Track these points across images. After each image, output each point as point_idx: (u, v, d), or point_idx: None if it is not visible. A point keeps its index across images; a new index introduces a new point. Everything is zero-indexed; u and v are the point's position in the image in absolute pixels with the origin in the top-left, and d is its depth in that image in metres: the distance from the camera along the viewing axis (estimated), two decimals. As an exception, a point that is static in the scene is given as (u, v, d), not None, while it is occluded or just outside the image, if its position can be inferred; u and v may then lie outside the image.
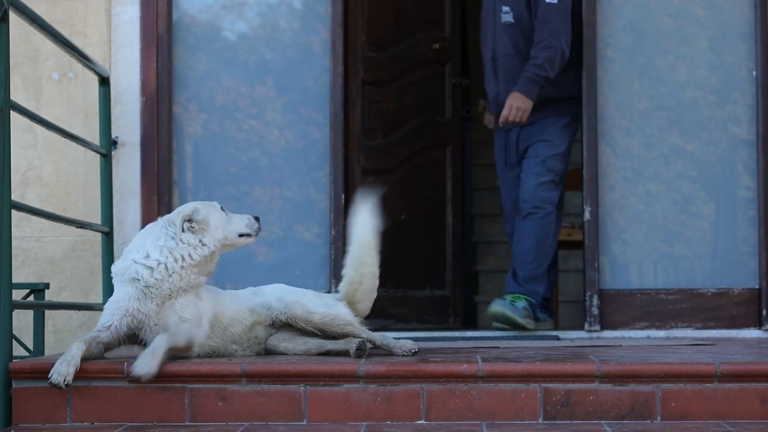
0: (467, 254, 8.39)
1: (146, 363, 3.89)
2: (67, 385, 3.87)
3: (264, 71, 6.10)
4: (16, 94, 5.76)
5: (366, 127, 6.60)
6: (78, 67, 5.85)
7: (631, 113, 6.05)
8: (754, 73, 6.00)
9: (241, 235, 4.36)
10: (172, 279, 4.16)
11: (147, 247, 4.19)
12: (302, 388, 3.95)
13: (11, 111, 4.22)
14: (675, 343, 5.16)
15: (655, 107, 6.05)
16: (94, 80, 5.63)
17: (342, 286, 4.51)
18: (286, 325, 4.41)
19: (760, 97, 5.96)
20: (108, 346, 4.13)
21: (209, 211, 4.29)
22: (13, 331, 4.42)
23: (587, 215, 6.00)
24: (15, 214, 4.53)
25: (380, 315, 5.50)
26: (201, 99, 6.08)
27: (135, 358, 4.12)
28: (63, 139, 5.36)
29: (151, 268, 4.15)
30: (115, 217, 5.76)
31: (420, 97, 6.99)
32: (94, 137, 5.65)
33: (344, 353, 4.21)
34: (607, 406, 3.90)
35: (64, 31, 5.64)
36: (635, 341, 5.41)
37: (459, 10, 7.39)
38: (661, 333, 5.93)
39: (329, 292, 5.81)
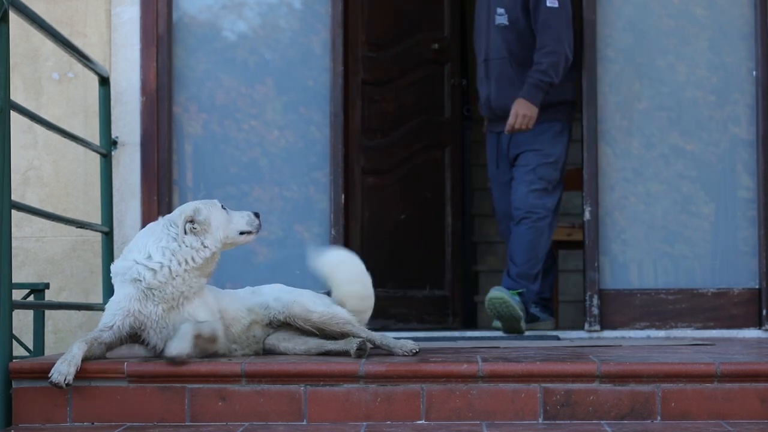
0: (467, 254, 8.39)
1: (178, 345, 3.96)
2: (67, 385, 3.87)
3: (264, 71, 6.11)
4: (16, 94, 5.76)
5: (366, 127, 6.60)
6: (78, 67, 5.85)
7: (631, 113, 6.05)
8: (754, 73, 6.00)
9: (242, 233, 4.36)
10: (176, 282, 4.16)
11: (149, 248, 4.18)
12: (302, 388, 3.95)
13: (11, 111, 4.22)
14: (675, 343, 5.16)
15: (655, 107, 6.05)
16: (94, 80, 5.63)
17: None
18: (285, 325, 4.41)
19: (760, 97, 5.96)
20: (110, 346, 4.13)
21: (210, 210, 4.29)
22: (13, 331, 4.42)
23: (587, 215, 6.00)
24: (15, 214, 4.53)
25: (380, 315, 5.50)
26: (201, 99, 6.08)
27: (136, 357, 4.13)
28: (63, 139, 5.36)
29: (154, 270, 4.14)
30: (115, 217, 5.76)
31: (419, 97, 6.99)
32: (94, 137, 5.65)
33: (344, 353, 4.21)
34: (607, 406, 3.90)
35: (64, 31, 5.64)
36: (635, 341, 5.41)
37: (458, 11, 7.40)
38: (661, 333, 5.93)
39: (328, 292, 5.81)
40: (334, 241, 5.96)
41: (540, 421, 3.90)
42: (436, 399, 3.92)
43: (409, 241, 6.84)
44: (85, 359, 3.95)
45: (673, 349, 4.72)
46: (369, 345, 4.23)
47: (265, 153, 6.08)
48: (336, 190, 6.00)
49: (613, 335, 5.91)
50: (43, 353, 5.26)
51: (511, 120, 5.73)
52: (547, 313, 6.09)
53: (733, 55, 6.05)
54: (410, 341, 4.28)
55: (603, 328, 5.95)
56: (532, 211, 5.82)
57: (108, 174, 5.53)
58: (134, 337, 4.18)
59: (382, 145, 6.72)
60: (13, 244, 4.28)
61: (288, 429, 3.87)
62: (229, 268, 5.67)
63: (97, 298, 5.66)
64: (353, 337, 4.29)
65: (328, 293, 4.65)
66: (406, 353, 4.22)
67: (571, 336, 5.83)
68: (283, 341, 4.37)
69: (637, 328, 5.95)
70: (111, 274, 4.25)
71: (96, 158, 5.73)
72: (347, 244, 6.12)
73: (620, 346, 4.97)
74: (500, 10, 5.90)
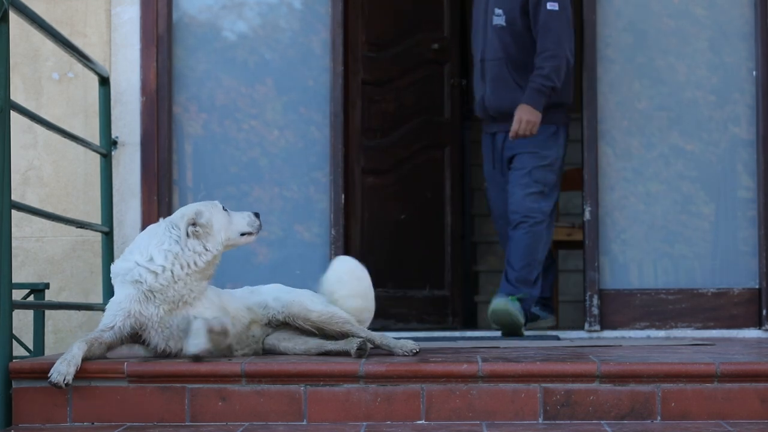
0: (467, 254, 8.39)
1: (195, 342, 4.01)
2: (66, 385, 3.87)
3: (264, 71, 6.11)
4: (16, 94, 5.76)
5: (366, 127, 6.60)
6: (78, 67, 5.85)
7: (631, 113, 6.05)
8: (754, 73, 6.01)
9: (242, 234, 4.36)
10: (177, 286, 4.16)
11: (150, 251, 4.18)
12: (302, 388, 3.95)
13: (11, 111, 4.22)
14: (675, 343, 5.16)
15: (655, 107, 6.05)
16: (94, 80, 5.63)
17: None
18: (284, 325, 4.41)
19: (760, 97, 5.96)
20: (110, 346, 4.13)
21: (212, 213, 4.28)
22: (13, 331, 4.42)
23: (587, 215, 6.00)
24: (15, 214, 4.53)
25: (380, 315, 5.49)
26: (201, 99, 6.08)
27: (136, 357, 4.13)
28: (63, 139, 5.36)
29: (156, 273, 4.14)
30: (115, 217, 5.76)
31: (419, 97, 6.99)
32: (94, 137, 5.65)
33: (345, 353, 4.21)
34: (607, 406, 3.90)
35: (64, 31, 5.64)
36: (635, 341, 5.41)
37: (458, 11, 7.40)
38: (661, 333, 5.93)
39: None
40: (334, 241, 5.96)
41: (540, 421, 3.90)
42: (436, 399, 3.92)
43: (409, 241, 6.84)
44: (85, 359, 3.95)
45: (673, 349, 4.72)
46: (369, 345, 4.23)
47: (265, 153, 6.08)
48: (336, 190, 6.00)
49: (613, 335, 5.91)
50: (43, 353, 5.26)
51: (514, 126, 5.67)
52: (547, 311, 6.08)
53: (733, 55, 6.05)
54: (410, 341, 4.28)
55: (603, 328, 5.95)
56: (528, 216, 5.74)
57: (108, 174, 5.53)
58: (135, 337, 4.18)
59: (382, 145, 6.72)
60: (13, 244, 4.28)
61: (288, 429, 3.87)
62: (229, 269, 5.66)
63: (97, 298, 5.66)
64: (353, 336, 4.29)
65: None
66: (406, 353, 4.22)
67: (571, 336, 5.83)
68: (283, 341, 4.38)
69: (637, 328, 5.95)
70: (111, 275, 4.25)
71: (96, 158, 5.73)
72: (347, 244, 6.13)
73: (620, 346, 4.97)
74: (498, 11, 5.82)
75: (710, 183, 6.02)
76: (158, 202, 5.93)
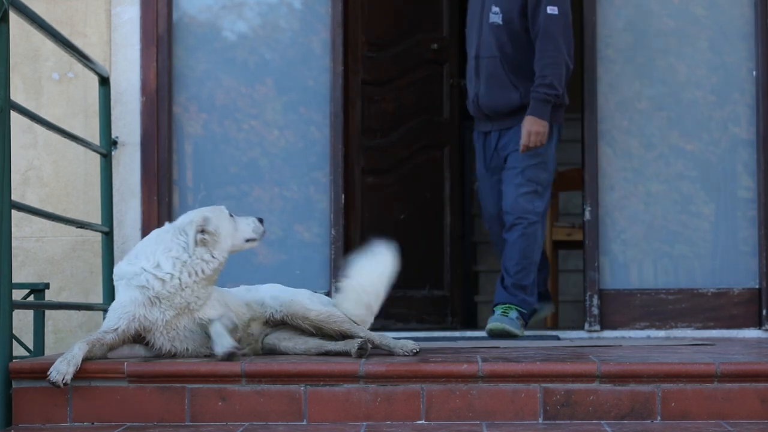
0: (467, 254, 8.39)
1: (223, 343, 4.07)
2: (65, 384, 3.86)
3: (264, 71, 6.10)
4: (16, 94, 5.76)
5: (366, 127, 6.60)
6: (78, 67, 5.85)
7: (631, 113, 6.05)
8: (754, 73, 6.01)
9: (247, 240, 4.37)
10: (184, 293, 4.16)
11: (158, 257, 4.17)
12: (302, 388, 3.95)
13: (11, 111, 4.22)
14: (675, 343, 5.16)
15: (655, 107, 6.05)
16: (94, 80, 5.63)
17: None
18: (282, 324, 4.41)
19: (760, 97, 5.96)
20: (112, 347, 4.13)
21: (219, 219, 4.27)
22: (13, 331, 4.42)
23: (587, 215, 6.00)
24: (15, 214, 4.53)
25: (380, 315, 5.48)
26: (201, 99, 6.08)
27: (136, 357, 4.13)
28: (63, 139, 5.36)
29: (163, 280, 4.13)
30: (115, 217, 5.76)
31: (419, 97, 6.99)
32: (94, 137, 5.65)
33: (345, 354, 4.21)
34: (607, 406, 3.90)
35: (64, 31, 5.64)
36: (635, 341, 5.41)
37: (457, 11, 7.39)
38: (661, 333, 5.93)
39: (329, 292, 5.81)
40: (334, 241, 5.96)
41: (540, 421, 3.90)
42: (436, 399, 3.92)
43: (408, 241, 6.83)
44: (86, 360, 3.95)
45: (673, 349, 4.72)
46: (369, 345, 4.23)
47: (265, 153, 6.08)
48: (336, 190, 6.00)
49: (613, 335, 5.91)
50: (43, 353, 5.26)
51: (524, 141, 5.60)
52: (545, 302, 6.01)
53: (733, 55, 6.05)
54: (410, 341, 4.28)
55: (603, 328, 5.95)
56: (522, 217, 5.66)
57: (108, 174, 5.53)
58: (138, 338, 4.18)
59: (381, 145, 6.72)
60: (13, 244, 4.28)
61: (288, 429, 3.87)
62: (228, 269, 5.63)
63: (97, 298, 5.66)
64: (351, 336, 4.29)
65: (327, 294, 4.65)
66: (406, 353, 4.22)
67: (571, 336, 5.83)
68: (284, 341, 4.38)
69: (637, 328, 5.95)
70: (114, 277, 4.24)
71: (96, 158, 5.73)
72: (347, 244, 6.12)
73: (620, 346, 4.97)
74: (495, 9, 5.74)
75: (710, 183, 6.02)
76: (158, 202, 5.93)
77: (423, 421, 3.91)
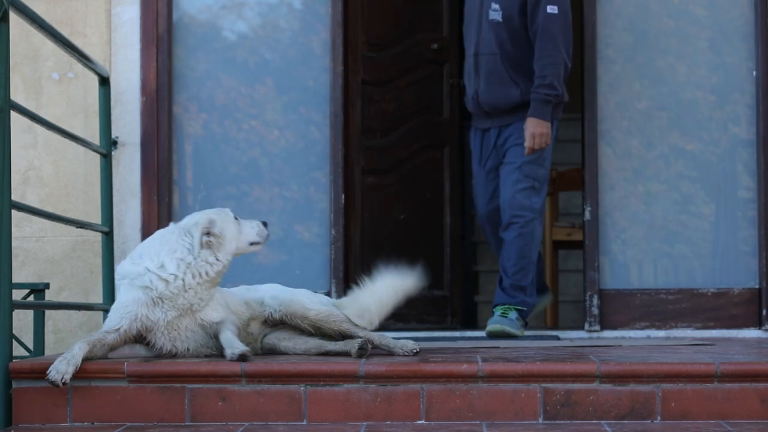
0: (467, 254, 8.39)
1: (236, 346, 4.09)
2: (64, 383, 3.86)
3: (264, 71, 6.10)
4: (16, 94, 5.76)
5: (366, 127, 6.60)
6: (78, 67, 5.85)
7: (631, 113, 6.05)
8: (754, 73, 6.01)
9: (251, 244, 4.37)
10: (188, 294, 4.16)
11: (162, 258, 4.16)
12: (302, 388, 3.95)
13: (11, 111, 4.22)
14: (675, 343, 5.16)
15: (655, 107, 6.05)
16: (94, 80, 5.63)
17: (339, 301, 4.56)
18: (282, 324, 4.41)
19: (760, 97, 5.96)
20: (113, 347, 4.13)
21: (224, 222, 4.27)
22: (13, 331, 4.42)
23: (587, 215, 6.00)
24: (15, 214, 4.53)
25: (380, 315, 5.51)
26: (201, 99, 6.08)
27: (136, 357, 4.13)
28: (63, 139, 5.36)
29: (167, 281, 4.13)
30: (115, 217, 5.76)
31: (419, 97, 6.99)
32: (94, 137, 5.65)
33: (345, 354, 4.21)
34: (607, 406, 3.90)
35: (64, 31, 5.64)
36: (635, 341, 5.41)
37: (457, 11, 7.38)
38: (661, 333, 5.93)
39: (329, 292, 5.82)
40: (334, 241, 5.96)
41: (540, 421, 3.90)
42: (436, 399, 3.92)
43: (408, 240, 6.84)
44: (86, 359, 3.95)
45: (673, 349, 4.72)
46: (369, 345, 4.23)
47: (265, 153, 6.08)
48: (336, 190, 6.00)
49: (613, 335, 5.91)
50: (43, 353, 5.26)
51: (528, 143, 5.58)
52: (543, 293, 5.98)
53: (733, 55, 6.05)
54: (410, 341, 4.28)
55: (603, 328, 5.95)
56: (519, 215, 5.64)
57: (108, 174, 5.53)
58: (139, 338, 4.18)
59: (381, 145, 6.72)
60: (13, 244, 4.28)
61: (288, 429, 3.87)
62: (229, 269, 5.66)
63: (97, 298, 5.66)
64: (351, 336, 4.29)
65: (327, 294, 4.65)
66: (406, 353, 4.22)
67: (571, 336, 5.83)
68: (284, 341, 4.38)
69: (637, 328, 5.95)
70: (116, 276, 4.24)
71: (96, 158, 5.73)
72: (347, 244, 6.12)
73: (620, 346, 4.97)
74: (495, 6, 5.71)
75: (710, 183, 6.02)
76: (158, 202, 5.93)
77: (423, 421, 3.91)
